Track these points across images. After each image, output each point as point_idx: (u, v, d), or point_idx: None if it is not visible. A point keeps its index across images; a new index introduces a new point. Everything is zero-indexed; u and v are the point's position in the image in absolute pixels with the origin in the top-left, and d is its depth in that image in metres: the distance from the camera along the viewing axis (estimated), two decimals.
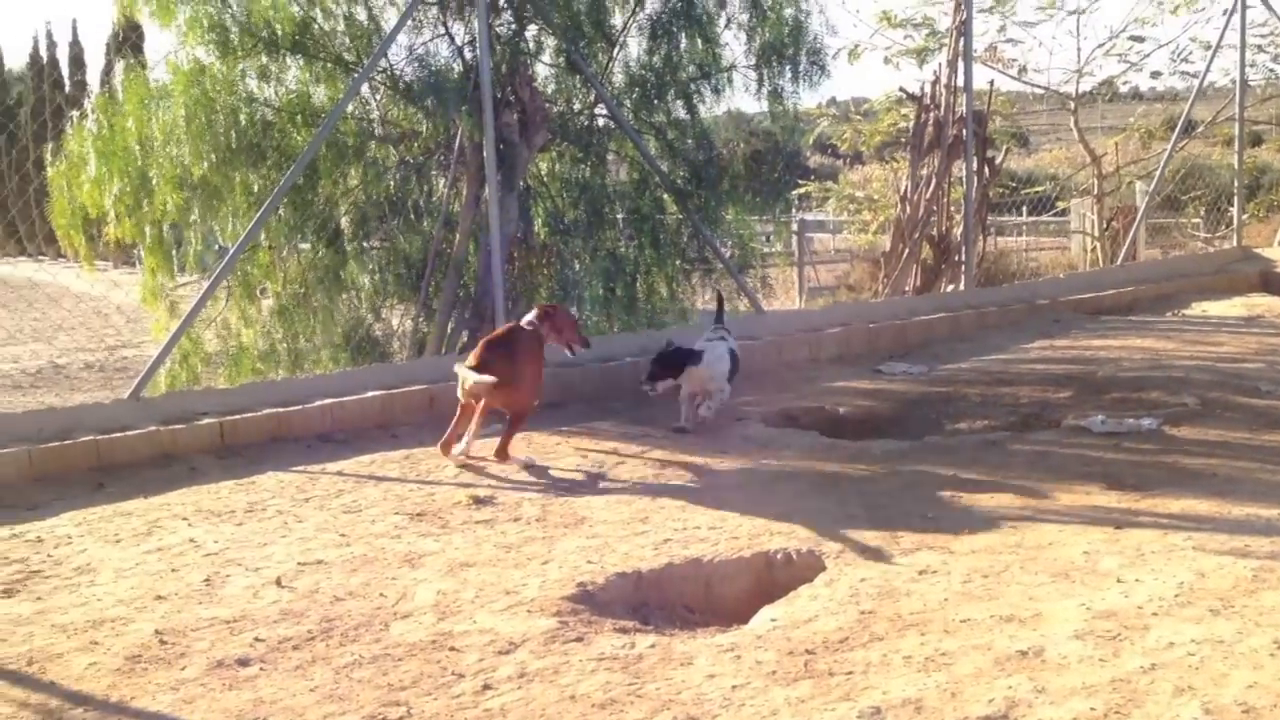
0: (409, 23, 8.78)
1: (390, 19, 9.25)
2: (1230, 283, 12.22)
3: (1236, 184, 13.88)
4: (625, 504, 5.30)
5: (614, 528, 4.91)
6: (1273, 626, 3.49)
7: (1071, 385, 7.47)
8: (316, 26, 9.14)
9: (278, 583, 4.28)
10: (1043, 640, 3.52)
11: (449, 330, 8.60)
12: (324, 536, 4.86)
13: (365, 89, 9.39)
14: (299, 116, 8.85)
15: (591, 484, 5.70)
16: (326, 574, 4.39)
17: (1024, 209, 21.63)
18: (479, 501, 5.36)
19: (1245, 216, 14.57)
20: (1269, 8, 13.58)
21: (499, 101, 8.12)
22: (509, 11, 8.90)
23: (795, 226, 21.22)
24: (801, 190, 16.53)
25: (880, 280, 12.06)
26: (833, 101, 22.87)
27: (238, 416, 6.57)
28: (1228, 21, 12.89)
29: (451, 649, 3.65)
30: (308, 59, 9.10)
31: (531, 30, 9.30)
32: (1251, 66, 14.88)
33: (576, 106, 9.83)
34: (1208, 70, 13.57)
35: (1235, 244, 13.79)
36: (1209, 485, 5.21)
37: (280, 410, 6.71)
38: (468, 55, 8.80)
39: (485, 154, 7.83)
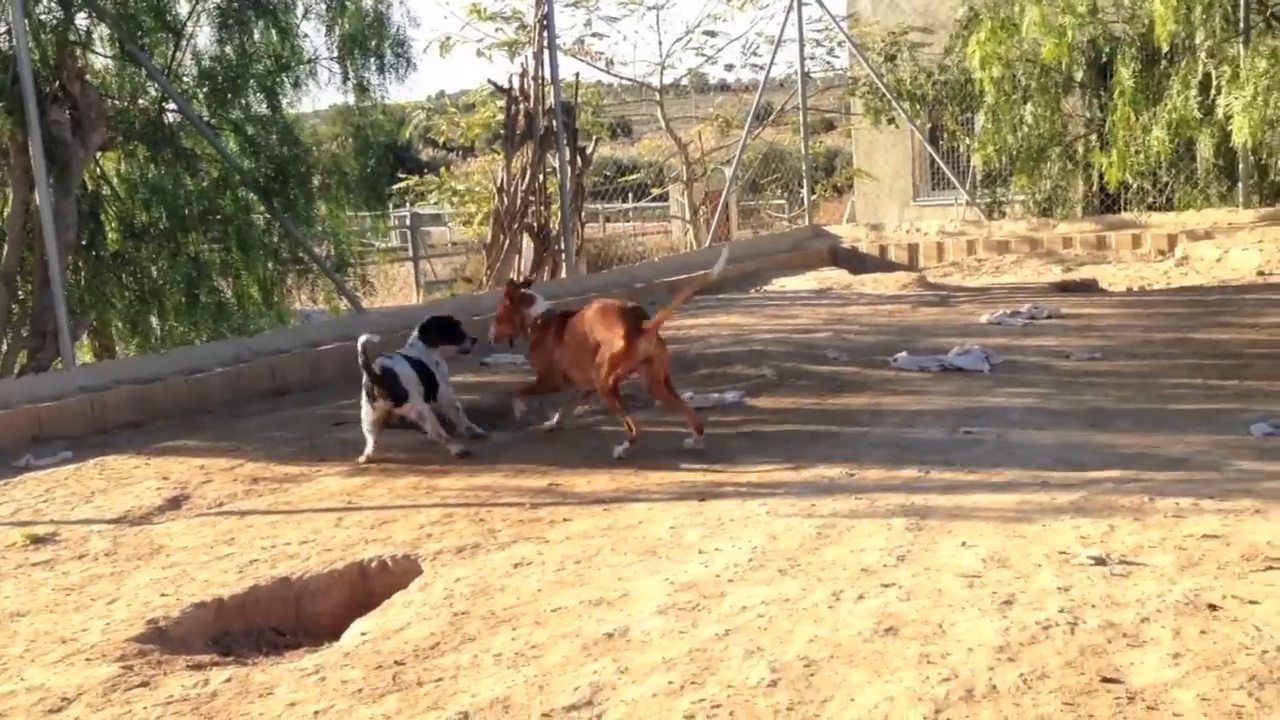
0: None
1: None
2: (805, 259, 13.26)
3: (804, 168, 15.06)
4: (210, 526, 4.96)
5: (195, 554, 4.57)
6: (832, 580, 3.74)
7: None
8: None
9: None
10: (628, 620, 3.59)
11: (3, 351, 7.73)
12: None
13: None
14: None
15: (173, 508, 5.29)
16: None
17: (629, 195, 22.51)
18: (38, 541, 4.83)
19: (815, 197, 15.84)
20: (822, 5, 14.81)
21: (45, 97, 7.38)
22: None
23: (409, 220, 20.97)
24: (403, 184, 16.30)
25: (484, 272, 12.10)
26: (441, 94, 22.76)
27: None
28: (786, 18, 13.96)
29: None
30: None
31: (83, 18, 8.51)
32: (811, 59, 16.23)
33: (143, 102, 9.13)
34: (772, 63, 14.67)
35: (808, 223, 14.98)
36: (783, 450, 5.56)
37: None
38: (4, 45, 7.92)
39: (32, 154, 7.09)
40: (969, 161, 15.48)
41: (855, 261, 13.39)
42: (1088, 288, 10.31)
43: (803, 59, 14.56)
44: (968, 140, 15.07)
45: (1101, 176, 13.35)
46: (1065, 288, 10.36)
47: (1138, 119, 12.35)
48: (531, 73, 11.63)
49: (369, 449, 5.93)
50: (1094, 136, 13.91)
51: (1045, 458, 5.05)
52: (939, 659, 3.08)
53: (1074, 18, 12.39)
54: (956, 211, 15.80)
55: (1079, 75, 13.47)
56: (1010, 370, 7.06)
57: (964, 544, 3.94)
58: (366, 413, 5.93)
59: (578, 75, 13.65)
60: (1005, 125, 13.26)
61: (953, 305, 9.86)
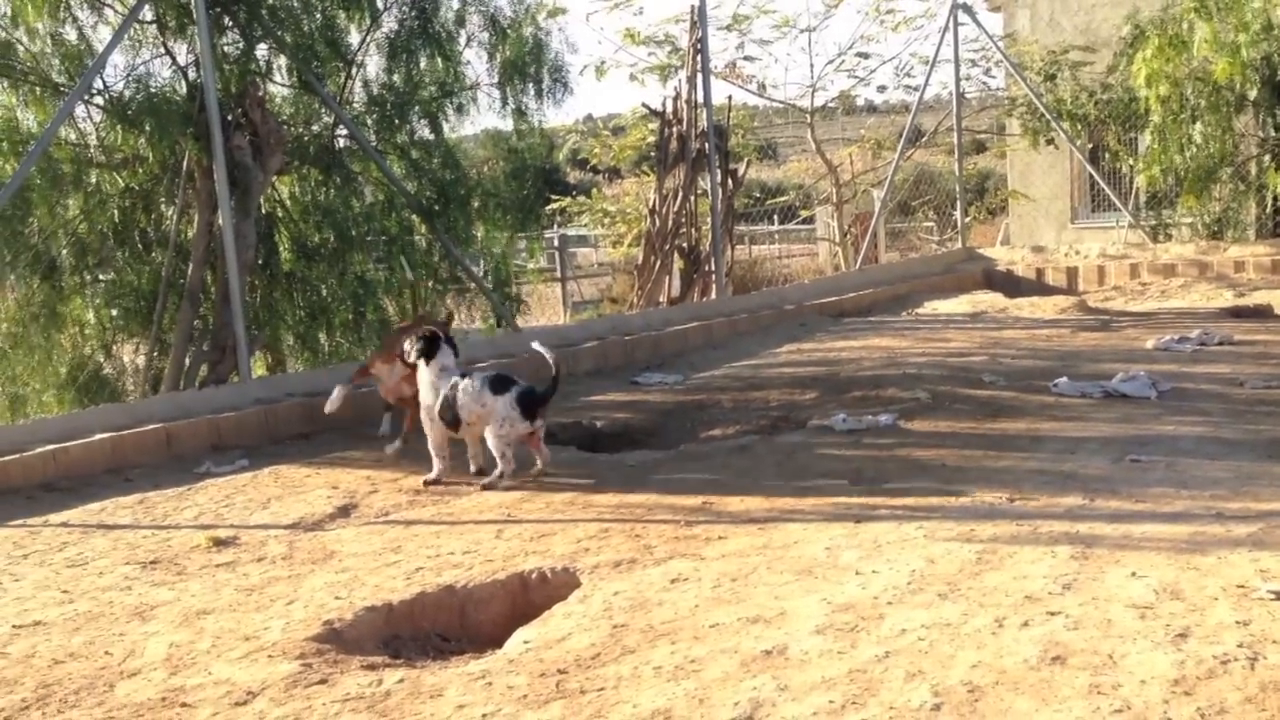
0: (127, 42, 8.32)
1: (105, 38, 8.74)
2: (958, 282, 13.04)
3: (958, 189, 14.82)
4: (377, 534, 5.15)
5: (365, 560, 4.76)
6: (994, 606, 3.68)
7: (817, 386, 7.76)
8: (21, 48, 8.54)
9: None
10: (786, 638, 3.60)
11: (186, 364, 8.16)
12: (44, 595, 4.50)
13: (82, 112, 8.84)
14: (4, 143, 8.23)
15: (343, 515, 5.52)
16: (45, 635, 4.06)
17: (775, 218, 22.47)
18: (220, 543, 5.09)
19: (968, 219, 15.55)
20: (979, 25, 14.58)
21: (229, 124, 7.79)
22: (235, 30, 8.54)
23: (557, 241, 21.37)
24: (555, 206, 16.60)
25: (635, 292, 12.24)
26: (589, 117, 23.15)
27: None
28: (942, 38, 13.78)
29: (183, 705, 3.42)
30: (12, 82, 8.49)
31: (262, 49, 8.96)
32: (966, 79, 15.96)
33: (316, 128, 9.55)
34: (926, 83, 14.47)
35: (961, 245, 14.72)
36: (939, 474, 5.49)
37: None
38: (192, 75, 8.40)
39: (216, 178, 7.49)
40: (1132, 182, 14.99)
41: (1010, 285, 13.11)
42: (1262, 313, 9.88)
43: (958, 79, 14.36)
44: (1131, 161, 14.60)
45: (1276, 198, 12.77)
46: (1238, 313, 9.94)
47: None
48: (684, 96, 11.75)
49: (510, 467, 5.84)
50: (1268, 156, 13.32)
51: (1220, 488, 4.87)
52: (1110, 690, 3.01)
53: (1247, 35, 11.92)
54: (1118, 234, 15.31)
55: (1252, 93, 12.92)
56: (1179, 398, 6.82)
57: (1134, 574, 3.83)
58: (520, 429, 5.82)
59: (730, 98, 13.74)
60: (1173, 145, 12.81)
61: (1116, 330, 9.57)
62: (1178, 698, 2.93)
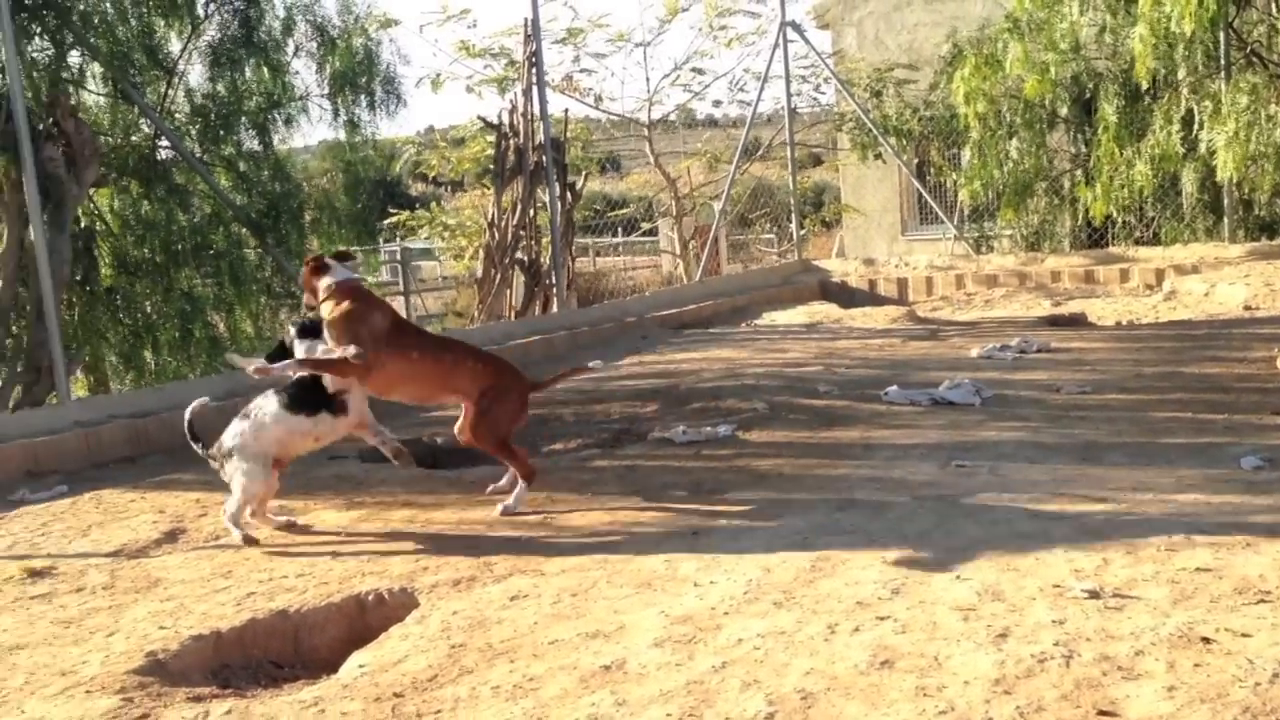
0: None
1: None
2: (795, 293, 13.34)
3: (793, 203, 15.18)
4: (207, 559, 4.96)
5: (192, 587, 4.58)
6: (827, 613, 3.76)
7: (657, 398, 7.81)
8: None
9: None
10: (625, 652, 3.61)
11: None
12: None
13: None
14: None
15: (170, 541, 5.30)
16: None
17: (619, 230, 22.61)
18: (35, 574, 4.83)
19: (804, 232, 15.95)
20: (807, 42, 14.98)
21: (39, 134, 7.43)
22: (44, 36, 8.15)
23: (400, 255, 21.02)
24: (394, 219, 16.36)
25: (476, 306, 12.15)
26: (431, 129, 22.88)
27: None
28: (773, 54, 14.12)
29: None
30: None
31: (75, 56, 8.59)
32: (798, 95, 16.37)
33: (136, 138, 9.20)
34: (759, 99, 14.80)
35: (797, 257, 15.08)
36: (776, 484, 5.59)
37: None
38: None
39: (26, 191, 7.11)
40: (956, 196, 15.61)
41: (845, 296, 13.49)
42: (1077, 322, 10.39)
43: (789, 95, 14.72)
44: (954, 175, 15.21)
45: (1087, 211, 13.49)
46: (1054, 322, 10.44)
47: (1121, 154, 12.50)
48: (521, 108, 11.72)
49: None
50: (1079, 171, 14.06)
51: (1038, 491, 5.09)
52: (935, 692, 3.11)
53: (1057, 54, 12.56)
54: (945, 246, 15.93)
55: (1063, 111, 13.64)
56: (1001, 404, 7.11)
57: (958, 577, 3.97)
58: None
59: (566, 111, 13.76)
60: (991, 160, 13.40)
61: (942, 339, 9.93)
62: (998, 697, 3.04)
